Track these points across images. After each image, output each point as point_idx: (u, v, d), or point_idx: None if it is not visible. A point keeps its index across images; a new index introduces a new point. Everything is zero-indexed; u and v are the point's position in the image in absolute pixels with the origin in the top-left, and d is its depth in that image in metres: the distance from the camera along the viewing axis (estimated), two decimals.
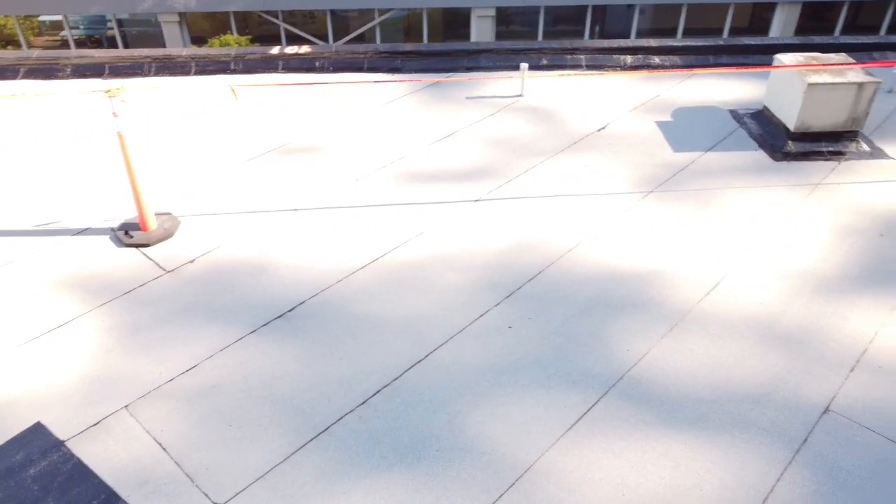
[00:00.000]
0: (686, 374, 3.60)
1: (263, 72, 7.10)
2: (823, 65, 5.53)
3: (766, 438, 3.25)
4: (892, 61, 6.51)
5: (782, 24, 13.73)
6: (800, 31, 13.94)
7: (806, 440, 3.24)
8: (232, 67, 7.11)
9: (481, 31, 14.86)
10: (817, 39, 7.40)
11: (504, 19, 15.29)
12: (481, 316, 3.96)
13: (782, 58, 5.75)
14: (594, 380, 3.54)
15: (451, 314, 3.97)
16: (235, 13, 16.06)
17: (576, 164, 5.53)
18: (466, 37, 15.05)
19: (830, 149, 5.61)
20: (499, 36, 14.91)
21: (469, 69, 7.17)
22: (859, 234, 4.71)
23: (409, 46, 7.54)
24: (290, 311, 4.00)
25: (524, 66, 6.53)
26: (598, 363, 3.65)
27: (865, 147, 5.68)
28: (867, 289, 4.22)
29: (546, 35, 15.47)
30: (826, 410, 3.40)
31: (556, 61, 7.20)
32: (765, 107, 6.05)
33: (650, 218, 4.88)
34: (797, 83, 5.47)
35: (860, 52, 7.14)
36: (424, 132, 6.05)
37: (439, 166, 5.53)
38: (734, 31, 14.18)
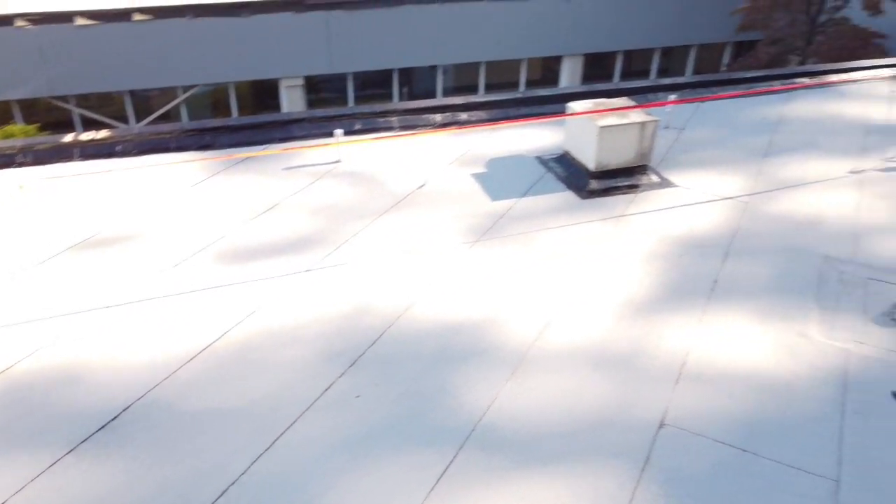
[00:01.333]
0: (534, 413, 3.70)
1: (57, 161, 6.56)
2: (610, 109, 6.11)
3: (614, 461, 3.41)
4: (664, 101, 7.34)
5: (570, 73, 15.14)
6: (586, 79, 15.42)
7: (648, 457, 3.44)
8: (19, 160, 6.49)
9: (292, 100, 14.90)
10: (601, 86, 8.19)
11: (313, 87, 15.44)
12: (327, 389, 3.84)
13: (574, 105, 6.28)
14: (448, 435, 3.54)
15: (295, 393, 3.81)
16: (20, 101, 14.83)
17: (402, 223, 5.62)
18: (277, 107, 15.01)
19: (627, 183, 6.16)
20: (310, 104, 15.02)
21: (283, 140, 7.10)
22: (663, 258, 5.18)
23: (218, 122, 7.34)
24: (112, 420, 3.62)
25: (339, 131, 6.59)
26: (449, 418, 3.66)
27: (655, 178, 6.31)
28: (677, 305, 4.63)
29: (357, 100, 15.83)
30: (662, 425, 3.64)
31: (369, 125, 7.35)
32: (566, 151, 6.54)
33: (479, 266, 5.04)
34: (590, 127, 5.99)
35: (637, 94, 7.99)
36: (244, 208, 5.86)
37: (264, 241, 5.37)
38: (529, 83, 15.38)
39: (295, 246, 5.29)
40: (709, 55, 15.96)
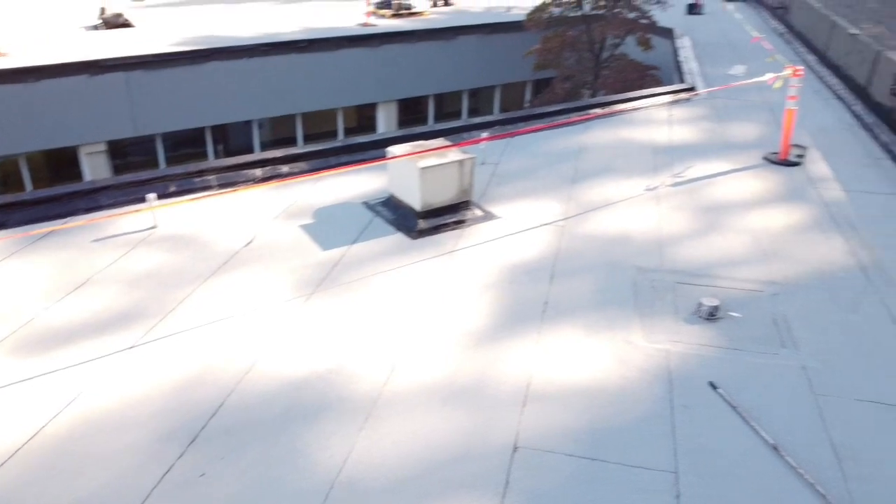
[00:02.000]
0: (391, 459, 3.65)
1: None
2: (428, 150, 6.30)
3: (475, 492, 3.44)
4: (477, 139, 7.73)
5: (386, 119, 15.50)
6: (402, 123, 15.86)
7: (507, 481, 3.51)
8: None
9: (95, 168, 13.85)
10: (418, 129, 8.45)
11: (119, 152, 14.48)
12: (167, 473, 3.53)
13: (394, 149, 6.42)
14: (306, 498, 3.38)
15: (130, 483, 3.46)
16: None
17: (231, 284, 5.38)
18: (79, 177, 13.87)
19: (453, 219, 6.36)
20: (116, 170, 14.04)
21: (89, 210, 6.57)
22: (496, 286, 5.39)
23: (9, 197, 6.65)
24: None
25: (152, 196, 6.21)
26: (304, 479, 3.50)
27: (479, 212, 6.58)
28: (515, 330, 4.82)
29: (169, 161, 15.05)
30: (515, 448, 3.74)
31: (185, 186, 7.01)
32: (391, 194, 6.64)
33: (318, 318, 4.94)
34: (412, 169, 6.13)
35: (452, 134, 8.34)
36: (48, 288, 5.32)
37: (76, 321, 4.89)
38: (347, 132, 15.53)
39: (114, 322, 4.86)
40: (513, 93, 17.09)
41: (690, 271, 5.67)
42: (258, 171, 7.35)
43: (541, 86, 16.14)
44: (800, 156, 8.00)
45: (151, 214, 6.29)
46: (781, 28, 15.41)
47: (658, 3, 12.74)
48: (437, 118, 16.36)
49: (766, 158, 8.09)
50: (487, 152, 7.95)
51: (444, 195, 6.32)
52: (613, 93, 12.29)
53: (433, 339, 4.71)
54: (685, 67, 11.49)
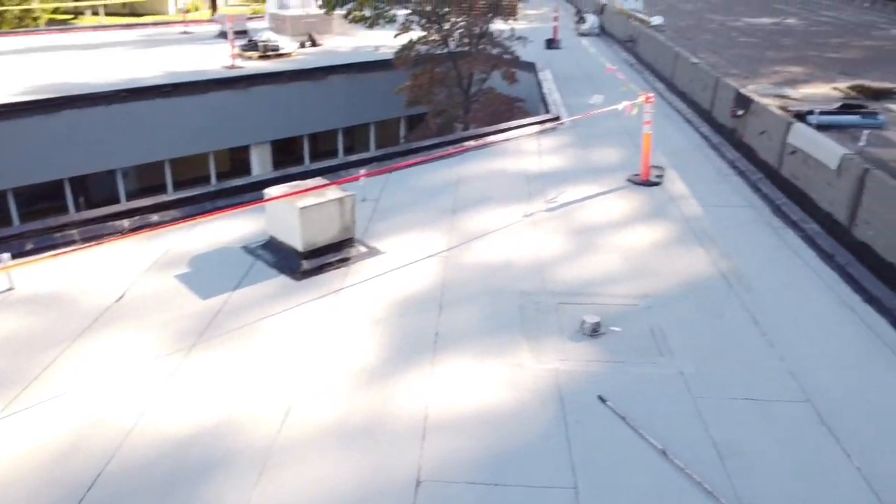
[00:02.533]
0: None
1: None
2: (306, 190, 6.23)
3: None
4: (356, 176, 7.73)
5: (260, 161, 15.18)
6: (277, 164, 15.57)
7: None
8: None
9: None
10: (294, 169, 8.33)
11: None
12: None
13: (271, 191, 6.29)
14: None
15: None
16: None
17: (102, 343, 5.02)
18: None
19: (337, 258, 6.30)
20: None
21: None
22: (385, 322, 5.36)
23: None
24: None
25: (5, 255, 5.72)
26: None
27: (363, 249, 6.55)
28: (408, 364, 4.80)
29: (25, 218, 13.92)
30: (418, 483, 3.70)
31: (44, 242, 6.52)
32: (271, 237, 6.48)
33: (202, 370, 4.70)
34: (291, 210, 6.03)
35: (330, 172, 8.29)
36: None
37: None
38: (220, 176, 15.06)
39: None
40: (387, 130, 17.28)
41: (571, 291, 5.91)
42: (125, 222, 6.97)
43: (414, 121, 16.41)
44: (659, 176, 8.58)
45: (6, 275, 5.78)
46: (632, 59, 16.58)
47: (518, 39, 13.37)
48: (313, 158, 16.21)
49: (629, 180, 8.61)
50: (366, 189, 7.95)
51: (326, 234, 6.25)
52: (484, 125, 12.69)
53: (326, 379, 4.61)
54: (549, 99, 12.09)
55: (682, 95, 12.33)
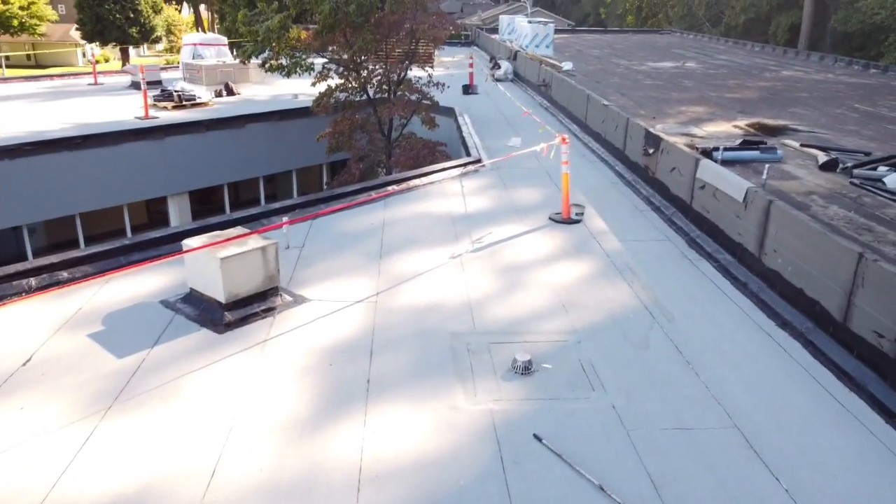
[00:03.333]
0: None
1: None
2: (227, 240, 6.06)
3: None
4: (279, 224, 7.60)
5: (178, 212, 14.73)
6: (196, 215, 15.15)
7: None
8: None
9: None
10: (215, 219, 8.11)
11: None
12: None
13: (190, 242, 6.09)
14: None
15: None
16: None
17: (7, 412, 4.67)
18: None
19: (262, 308, 6.12)
20: None
21: None
22: (315, 371, 5.21)
23: None
24: None
25: None
26: None
27: (289, 297, 6.40)
28: (340, 413, 4.67)
29: None
30: None
31: None
32: (192, 289, 6.25)
33: (119, 434, 4.42)
34: (212, 261, 5.84)
35: (252, 221, 8.12)
36: None
37: None
38: (137, 228, 14.51)
39: None
40: (310, 176, 17.15)
41: (502, 330, 5.93)
42: (32, 281, 6.57)
43: (337, 167, 16.37)
44: (579, 214, 8.82)
45: None
46: (546, 103, 17.15)
47: (436, 86, 13.62)
48: (234, 206, 15.87)
49: (551, 218, 8.81)
50: (291, 236, 7.83)
51: (249, 284, 6.07)
52: (407, 169, 12.80)
53: (254, 435, 4.42)
54: (469, 142, 12.31)
55: (596, 136, 12.80)
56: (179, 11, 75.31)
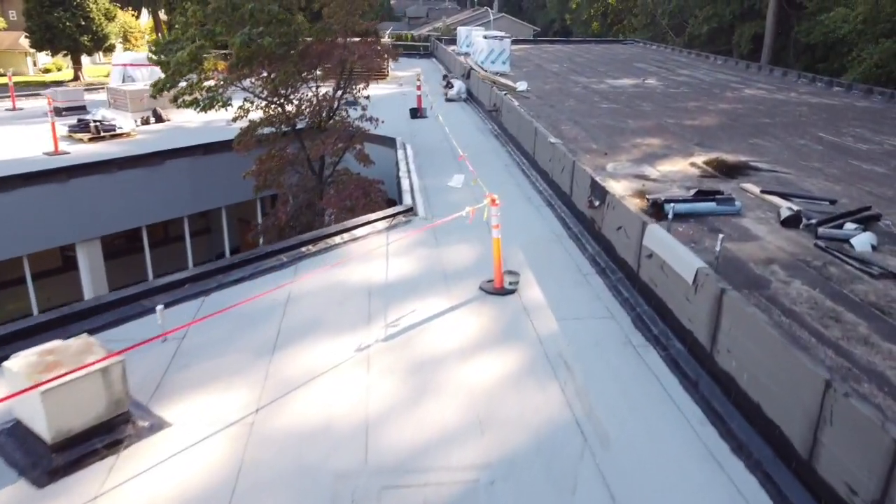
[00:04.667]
0: None
1: None
2: (57, 364, 4.88)
3: None
4: (151, 338, 6.45)
5: (89, 260, 13.33)
6: (110, 257, 13.86)
7: None
8: None
9: None
10: (43, 317, 6.92)
11: None
12: None
13: (11, 364, 4.90)
14: None
15: None
16: None
17: None
18: None
19: (106, 442, 4.95)
20: None
21: None
22: None
23: None
24: None
25: None
26: None
27: (143, 423, 5.23)
28: None
29: None
30: None
31: None
32: (17, 419, 5.06)
33: None
34: (33, 393, 4.66)
35: (125, 305, 6.96)
36: None
37: None
38: (39, 277, 13.15)
39: None
40: (242, 212, 15.89)
41: (400, 465, 4.85)
42: None
43: (273, 201, 15.16)
44: (513, 283, 7.76)
45: None
46: (497, 129, 16.13)
47: (370, 120, 12.45)
48: (154, 247, 14.56)
49: (482, 288, 7.75)
50: (171, 318, 6.65)
51: (86, 415, 4.90)
52: (340, 210, 11.67)
53: None
54: (405, 184, 11.21)
55: (544, 174, 11.80)
56: (137, 17, 73.11)
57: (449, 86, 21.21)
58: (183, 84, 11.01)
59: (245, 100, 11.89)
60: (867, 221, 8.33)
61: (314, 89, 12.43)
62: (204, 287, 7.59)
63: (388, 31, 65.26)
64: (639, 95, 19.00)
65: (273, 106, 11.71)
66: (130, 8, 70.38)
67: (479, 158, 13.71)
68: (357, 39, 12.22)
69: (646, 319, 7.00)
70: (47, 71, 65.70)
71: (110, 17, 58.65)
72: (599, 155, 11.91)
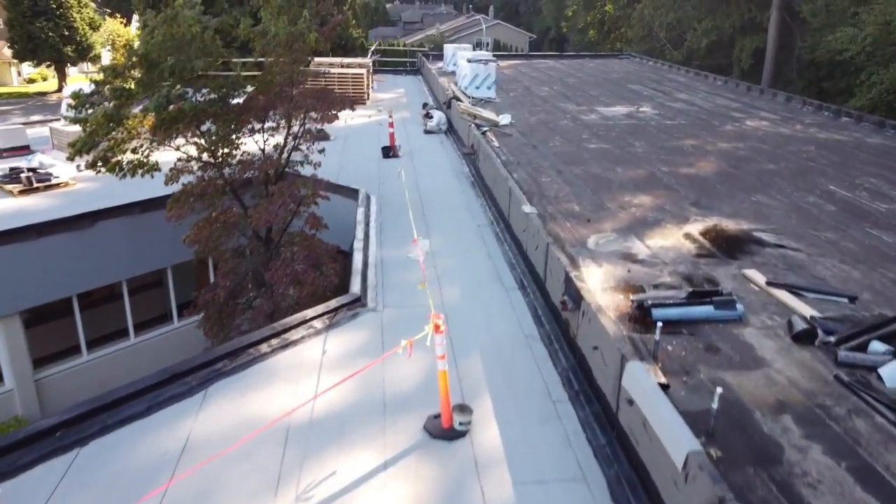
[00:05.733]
0: None
1: None
2: None
3: None
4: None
5: (5, 338, 11.88)
6: (32, 336, 12.39)
7: None
8: None
9: None
10: None
11: None
12: None
13: None
14: None
15: None
16: None
17: None
18: None
19: None
20: None
21: None
22: None
23: None
24: None
25: None
26: None
27: None
28: None
29: None
30: None
31: None
32: None
33: None
34: None
35: None
36: None
37: None
38: None
39: None
40: (192, 273, 14.41)
41: None
42: None
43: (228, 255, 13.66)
44: (463, 423, 6.31)
45: None
46: (474, 174, 14.68)
47: (322, 197, 10.86)
48: (87, 309, 13.07)
49: (426, 429, 6.32)
50: (29, 491, 5.24)
51: None
52: (286, 290, 10.22)
53: None
54: (356, 261, 9.76)
55: (518, 244, 10.35)
56: (125, 24, 71.71)
57: (428, 116, 19.76)
58: (105, 144, 9.58)
59: (179, 159, 10.44)
60: None
61: (262, 142, 10.99)
62: (81, 434, 6.15)
63: (377, 40, 63.94)
64: (631, 130, 17.54)
65: (210, 170, 10.25)
66: (119, 14, 68.99)
67: (451, 216, 12.29)
68: (308, 87, 10.76)
69: (625, 486, 5.56)
70: (32, 81, 64.22)
71: (95, 27, 57.26)
72: (581, 222, 10.46)
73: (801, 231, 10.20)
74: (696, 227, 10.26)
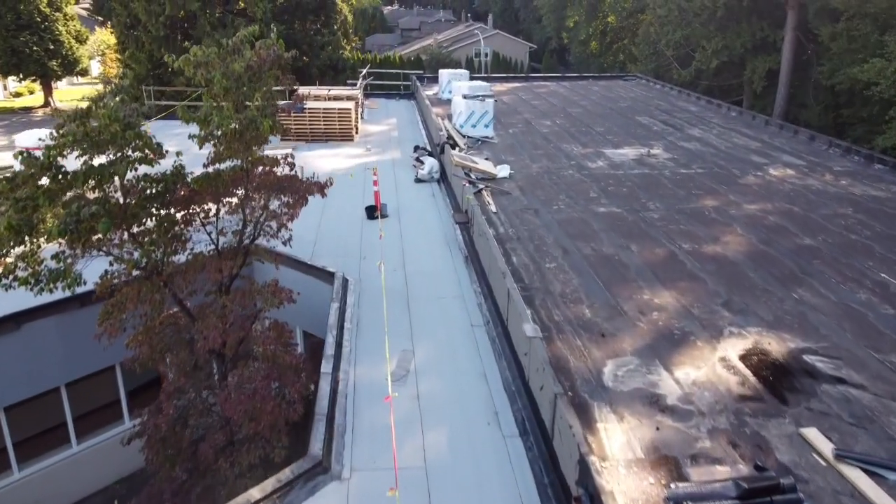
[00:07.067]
0: None
1: None
2: None
3: None
4: None
5: None
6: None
7: None
8: None
9: None
10: None
11: None
12: None
13: None
14: None
15: None
16: None
17: None
18: None
19: None
20: None
21: None
22: None
23: None
24: None
25: None
26: None
27: None
28: None
29: None
30: None
31: None
32: None
33: None
34: None
35: None
36: None
37: None
38: None
39: None
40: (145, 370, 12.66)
41: None
42: None
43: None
44: None
45: None
46: (466, 244, 12.90)
47: (288, 302, 9.07)
48: (20, 426, 11.34)
49: None
50: None
51: None
52: (241, 418, 8.45)
53: None
54: (323, 390, 8.02)
55: (521, 372, 8.58)
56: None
57: (420, 162, 18.01)
58: (11, 258, 7.88)
59: (111, 263, 8.70)
60: None
61: (213, 234, 9.26)
62: None
63: (373, 50, 61.95)
64: (644, 184, 15.80)
65: (145, 284, 8.49)
66: (108, 25, 67.22)
67: (440, 309, 10.53)
68: (263, 169, 9.00)
69: None
70: (18, 95, 62.37)
71: (81, 40, 55.48)
72: (594, 337, 8.73)
73: (859, 352, 8.45)
74: (733, 347, 8.51)
